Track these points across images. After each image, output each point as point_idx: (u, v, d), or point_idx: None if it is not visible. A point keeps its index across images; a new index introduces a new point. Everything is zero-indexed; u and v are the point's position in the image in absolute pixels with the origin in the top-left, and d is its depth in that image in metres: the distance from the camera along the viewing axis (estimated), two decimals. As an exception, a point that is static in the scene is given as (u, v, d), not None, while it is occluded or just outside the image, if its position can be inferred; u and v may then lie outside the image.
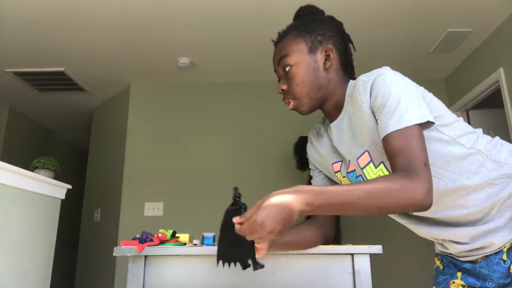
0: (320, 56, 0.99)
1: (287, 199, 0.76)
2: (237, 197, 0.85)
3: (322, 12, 1.07)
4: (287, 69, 0.99)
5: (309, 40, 0.99)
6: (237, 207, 0.83)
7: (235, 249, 0.84)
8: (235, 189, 0.87)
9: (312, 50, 0.99)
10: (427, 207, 0.79)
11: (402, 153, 0.82)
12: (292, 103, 1.00)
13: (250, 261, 0.82)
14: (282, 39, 1.03)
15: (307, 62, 0.98)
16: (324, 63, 0.99)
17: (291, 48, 0.99)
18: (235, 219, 0.80)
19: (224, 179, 3.73)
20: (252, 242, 0.83)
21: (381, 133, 0.87)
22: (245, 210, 0.83)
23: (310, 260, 1.27)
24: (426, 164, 0.81)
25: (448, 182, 0.92)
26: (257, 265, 0.82)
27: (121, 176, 3.77)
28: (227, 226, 0.84)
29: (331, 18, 1.06)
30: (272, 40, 1.08)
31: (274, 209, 0.75)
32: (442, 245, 1.04)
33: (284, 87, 1.01)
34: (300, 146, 3.44)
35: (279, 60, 1.01)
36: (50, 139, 5.47)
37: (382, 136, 0.86)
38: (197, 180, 3.74)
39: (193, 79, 3.95)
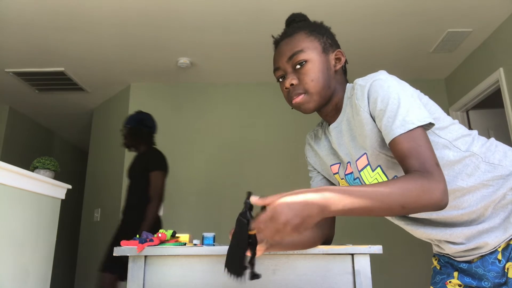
0: (331, 58, 1.02)
1: (310, 196, 0.74)
2: (247, 208, 0.80)
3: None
4: (300, 64, 0.98)
5: (322, 41, 1.01)
6: (245, 220, 0.79)
7: (234, 260, 0.81)
8: (248, 194, 0.81)
9: (325, 51, 1.01)
10: (444, 206, 0.80)
11: (413, 155, 0.83)
12: (301, 97, 0.98)
13: (244, 272, 0.80)
14: (290, 36, 1.02)
15: (321, 61, 0.99)
16: (334, 65, 1.02)
17: (306, 45, 0.99)
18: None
19: (224, 179, 3.73)
20: (252, 255, 0.81)
21: (387, 137, 0.88)
22: None
23: (310, 260, 1.27)
24: (438, 165, 0.82)
25: None
26: (254, 277, 0.80)
27: (121, 176, 3.77)
28: (234, 235, 0.81)
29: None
30: (273, 37, 1.08)
31: (294, 203, 0.73)
32: (438, 246, 1.05)
33: (295, 81, 0.99)
34: (130, 121, 2.88)
35: (292, 55, 0.99)
36: (50, 139, 5.47)
37: (389, 141, 0.87)
38: (197, 180, 3.74)
39: (193, 79, 3.95)
